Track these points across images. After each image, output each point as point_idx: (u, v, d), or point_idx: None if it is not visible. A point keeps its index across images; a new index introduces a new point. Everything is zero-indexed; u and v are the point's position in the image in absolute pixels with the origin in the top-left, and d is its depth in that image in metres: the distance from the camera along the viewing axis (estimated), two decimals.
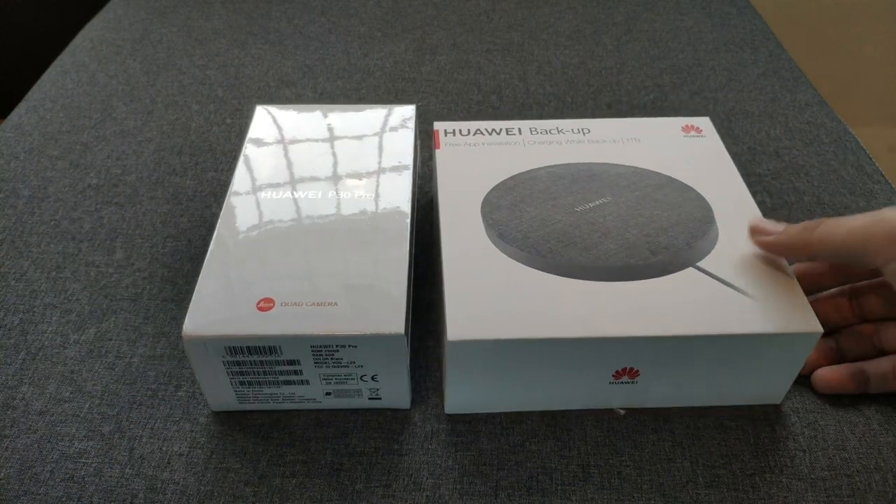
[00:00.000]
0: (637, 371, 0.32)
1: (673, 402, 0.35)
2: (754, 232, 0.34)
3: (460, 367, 0.32)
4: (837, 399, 0.35)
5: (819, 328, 0.31)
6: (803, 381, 0.36)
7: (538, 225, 0.36)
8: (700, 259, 0.34)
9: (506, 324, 0.31)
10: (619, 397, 0.34)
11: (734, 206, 0.37)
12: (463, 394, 0.33)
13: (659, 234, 0.35)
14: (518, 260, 0.34)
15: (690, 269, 0.33)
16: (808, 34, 1.29)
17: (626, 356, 0.32)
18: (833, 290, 0.37)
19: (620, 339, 0.31)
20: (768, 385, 0.34)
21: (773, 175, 0.50)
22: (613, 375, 0.33)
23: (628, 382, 0.33)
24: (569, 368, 0.32)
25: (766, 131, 0.54)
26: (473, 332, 0.31)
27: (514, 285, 0.32)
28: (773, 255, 0.34)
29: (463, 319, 0.31)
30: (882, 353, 0.35)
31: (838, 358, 0.36)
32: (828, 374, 0.35)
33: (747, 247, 0.35)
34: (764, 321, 0.31)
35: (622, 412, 0.35)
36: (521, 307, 0.32)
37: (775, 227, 0.34)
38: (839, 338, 0.36)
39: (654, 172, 0.39)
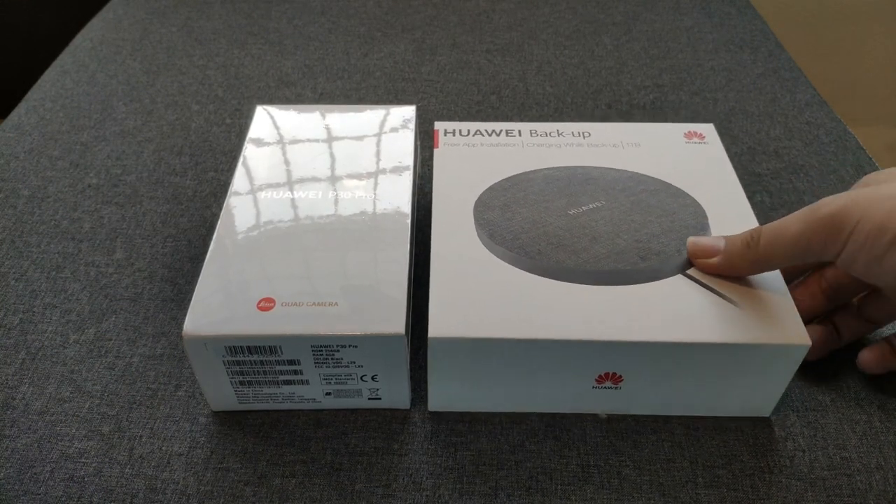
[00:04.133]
0: (620, 377, 0.32)
1: (657, 411, 0.34)
2: (694, 254, 0.34)
3: (442, 365, 0.32)
4: (838, 397, 0.35)
5: (808, 341, 0.30)
6: (803, 380, 0.36)
7: (529, 226, 0.35)
8: (690, 266, 0.34)
9: (488, 323, 0.31)
10: (603, 403, 0.34)
11: (731, 215, 0.36)
12: (445, 392, 0.33)
13: (650, 240, 0.35)
14: (506, 261, 0.34)
15: (679, 277, 0.33)
16: (808, 34, 1.29)
17: (609, 361, 0.31)
18: (802, 279, 0.38)
19: (602, 343, 0.30)
20: (756, 397, 0.33)
21: (772, 175, 0.50)
22: (596, 380, 0.32)
23: (612, 388, 0.33)
24: (551, 371, 0.32)
25: (766, 131, 0.54)
26: (455, 329, 0.31)
27: (501, 285, 0.32)
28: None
29: (445, 317, 0.31)
30: (874, 324, 0.36)
31: (836, 338, 0.36)
32: (869, 356, 0.35)
33: None
34: (750, 331, 0.31)
35: (605, 416, 0.34)
36: (505, 307, 0.31)
37: (715, 243, 0.33)
38: (833, 318, 0.37)
39: (651, 178, 0.39)
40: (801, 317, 0.32)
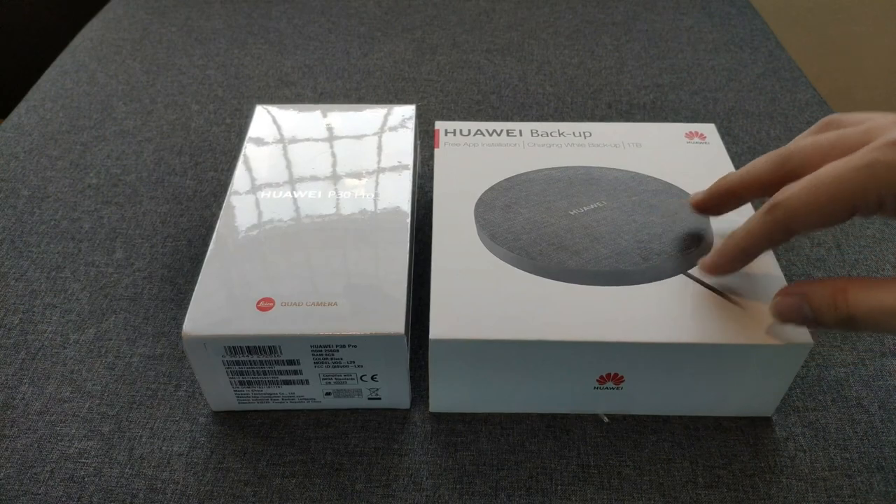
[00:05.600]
0: (622, 377, 0.32)
1: (659, 411, 0.34)
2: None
3: (443, 366, 0.32)
4: (839, 397, 0.35)
5: (809, 340, 0.30)
6: (804, 380, 0.36)
7: (530, 227, 0.35)
8: (692, 267, 0.33)
9: (489, 324, 0.31)
10: (605, 403, 0.34)
11: (732, 215, 0.36)
12: (446, 393, 0.33)
13: (652, 241, 0.35)
14: (508, 261, 0.34)
15: (681, 277, 0.33)
16: (808, 34, 1.29)
17: (610, 361, 0.31)
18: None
19: (603, 344, 0.30)
20: (758, 397, 0.33)
21: None
22: (598, 380, 0.32)
23: (613, 388, 0.33)
24: (553, 372, 0.32)
25: (766, 131, 0.54)
26: (456, 331, 0.31)
27: (502, 286, 0.32)
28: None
29: (446, 318, 0.31)
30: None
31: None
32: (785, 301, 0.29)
33: None
34: (752, 331, 0.30)
35: (606, 419, 0.34)
36: (506, 308, 0.31)
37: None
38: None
39: (653, 178, 0.39)
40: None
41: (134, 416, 0.34)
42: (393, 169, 0.39)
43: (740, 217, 0.36)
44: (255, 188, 0.38)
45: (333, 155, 0.40)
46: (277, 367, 0.32)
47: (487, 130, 0.42)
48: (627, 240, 0.35)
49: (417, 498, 0.31)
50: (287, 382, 0.33)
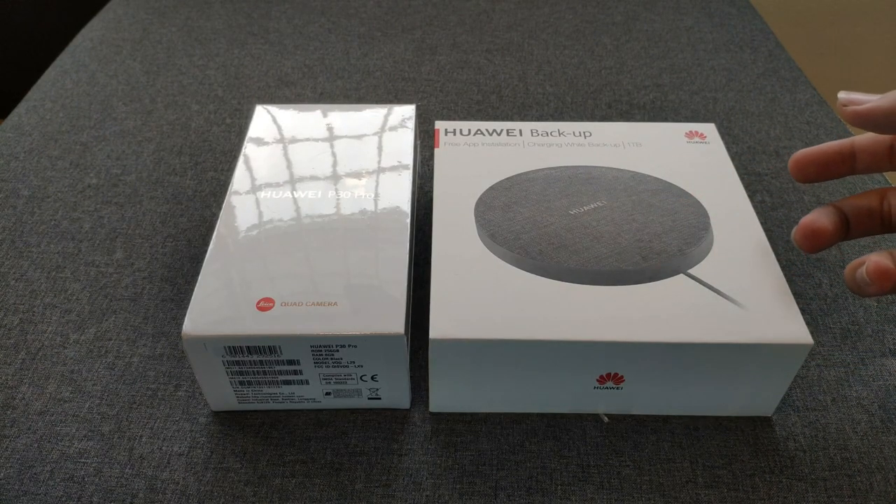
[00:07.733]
0: (622, 377, 0.32)
1: (659, 410, 0.34)
2: (846, 104, 0.30)
3: (443, 366, 0.32)
4: (839, 397, 0.35)
5: (809, 340, 0.30)
6: (804, 380, 0.36)
7: (530, 227, 0.35)
8: (692, 266, 0.33)
9: (489, 324, 0.31)
10: (605, 403, 0.34)
11: (732, 214, 0.36)
12: (447, 393, 0.33)
13: (652, 240, 0.35)
14: (508, 261, 0.34)
15: (681, 276, 0.33)
16: (808, 34, 1.29)
17: (610, 361, 0.31)
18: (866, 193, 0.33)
19: (603, 344, 0.30)
20: (758, 396, 0.33)
21: (773, 174, 0.50)
22: (598, 380, 0.32)
23: (613, 388, 0.33)
24: (552, 371, 0.32)
25: (766, 131, 0.54)
26: (456, 331, 0.31)
27: (502, 286, 0.32)
28: (865, 126, 0.30)
29: (446, 318, 0.31)
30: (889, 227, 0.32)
31: (844, 232, 0.32)
32: (808, 220, 0.31)
33: (741, 255, 0.34)
34: (752, 331, 0.30)
35: (606, 419, 0.34)
36: (506, 308, 0.31)
37: (868, 96, 0.30)
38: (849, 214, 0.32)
39: (653, 177, 0.39)
40: (847, 218, 0.30)
41: (134, 416, 0.34)
42: (393, 169, 0.39)
43: (742, 213, 0.36)
44: (255, 188, 0.38)
45: (333, 155, 0.40)
46: (277, 367, 0.32)
47: (487, 130, 0.42)
48: (627, 239, 0.35)
49: (417, 498, 0.31)
50: (287, 382, 0.33)
